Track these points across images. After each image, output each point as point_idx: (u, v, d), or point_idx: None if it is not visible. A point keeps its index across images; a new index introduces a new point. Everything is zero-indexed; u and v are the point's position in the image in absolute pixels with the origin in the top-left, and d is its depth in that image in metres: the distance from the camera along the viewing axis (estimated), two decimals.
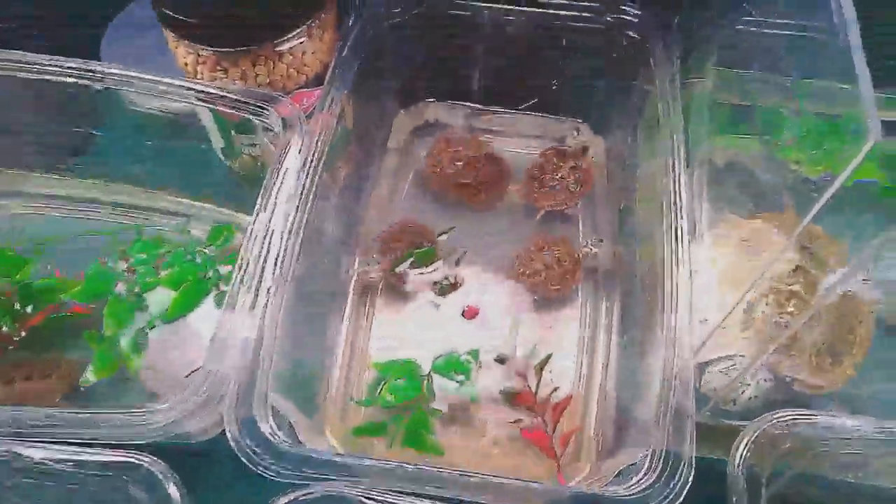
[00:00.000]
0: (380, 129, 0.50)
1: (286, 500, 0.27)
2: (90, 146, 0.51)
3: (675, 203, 0.37)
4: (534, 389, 0.40)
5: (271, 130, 0.39)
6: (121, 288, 0.43)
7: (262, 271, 0.34)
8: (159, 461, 0.28)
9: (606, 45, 0.46)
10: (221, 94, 0.40)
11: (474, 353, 0.41)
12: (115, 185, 0.50)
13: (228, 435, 0.29)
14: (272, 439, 0.29)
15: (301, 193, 0.36)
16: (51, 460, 0.27)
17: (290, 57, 0.40)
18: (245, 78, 0.40)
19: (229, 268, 0.44)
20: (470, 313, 0.42)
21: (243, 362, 0.31)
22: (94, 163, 0.50)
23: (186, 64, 0.41)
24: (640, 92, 0.47)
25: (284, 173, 0.37)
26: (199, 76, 0.41)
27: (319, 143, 0.38)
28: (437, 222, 0.47)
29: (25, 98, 0.45)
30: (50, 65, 0.42)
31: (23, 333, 0.41)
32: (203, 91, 0.40)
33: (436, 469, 0.29)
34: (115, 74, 0.42)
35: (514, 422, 0.39)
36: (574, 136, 0.52)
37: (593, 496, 0.28)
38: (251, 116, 0.40)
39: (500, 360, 0.41)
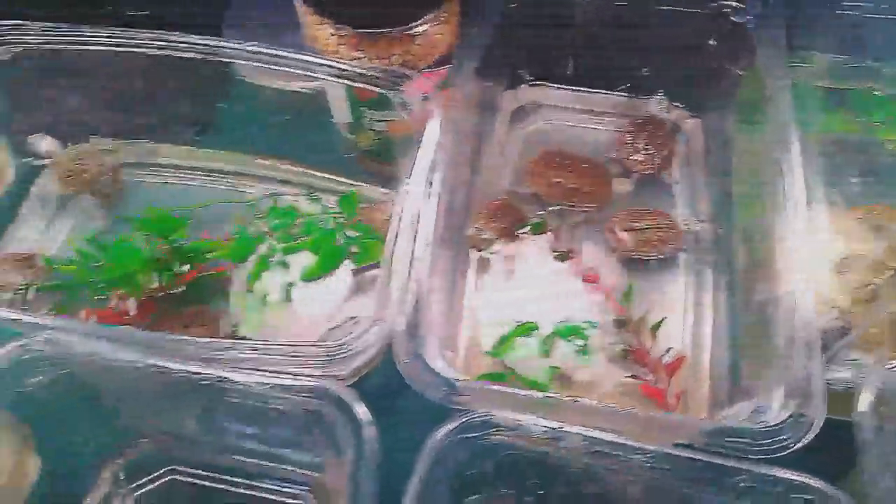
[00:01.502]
0: (489, 109, 0.54)
1: (453, 426, 0.31)
2: (217, 121, 0.55)
3: (786, 183, 0.39)
4: (648, 350, 0.44)
5: (407, 107, 0.43)
6: (263, 250, 0.47)
7: (415, 234, 0.37)
8: (345, 386, 0.32)
9: (710, 27, 0.49)
10: (360, 71, 0.44)
11: (592, 322, 0.44)
12: (245, 157, 0.54)
13: (401, 368, 0.33)
14: (440, 371, 0.33)
15: (440, 164, 0.40)
16: (254, 383, 0.32)
17: (423, 39, 0.44)
18: (381, 57, 0.44)
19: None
20: (590, 279, 0.46)
21: (405, 311, 0.35)
22: (220, 136, 0.55)
23: (327, 43, 0.45)
24: (740, 75, 0.49)
25: (425, 146, 0.40)
26: (338, 55, 0.45)
27: (451, 119, 0.42)
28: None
29: (157, 74, 0.48)
30: (177, 42, 0.46)
31: (180, 288, 0.46)
32: (340, 68, 0.44)
33: (582, 400, 0.32)
34: (244, 51, 0.45)
35: (631, 377, 0.42)
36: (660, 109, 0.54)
37: (729, 427, 0.31)
38: (388, 93, 0.44)
39: (618, 324, 0.44)
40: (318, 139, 0.54)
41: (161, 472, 0.42)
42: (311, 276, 0.46)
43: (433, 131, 0.41)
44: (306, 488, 0.41)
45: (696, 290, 0.47)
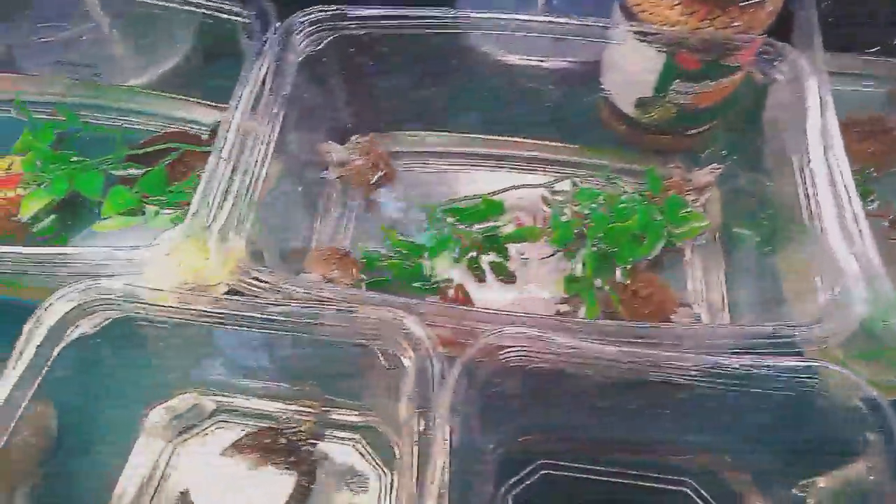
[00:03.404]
0: None
1: None
2: (461, 100, 0.52)
3: None
4: None
5: (762, 74, 0.42)
6: (582, 234, 0.46)
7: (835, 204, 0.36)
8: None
9: None
10: (697, 38, 0.42)
11: None
12: (511, 141, 0.52)
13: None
14: None
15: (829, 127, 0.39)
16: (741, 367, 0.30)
17: (769, 8, 0.42)
18: (724, 27, 0.42)
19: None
20: None
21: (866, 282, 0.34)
22: (480, 120, 0.52)
23: (667, 15, 0.43)
24: None
25: (812, 112, 0.39)
26: (674, 24, 0.43)
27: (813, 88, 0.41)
28: None
29: (406, 54, 0.46)
30: (413, 18, 0.43)
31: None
32: (672, 37, 0.42)
33: None
34: (555, 23, 0.43)
35: None
36: None
37: None
38: (725, 61, 0.42)
39: None
40: (582, 116, 0.52)
41: (533, 467, 0.41)
42: (639, 256, 0.45)
43: (814, 94, 0.39)
44: (690, 478, 0.40)
45: None
